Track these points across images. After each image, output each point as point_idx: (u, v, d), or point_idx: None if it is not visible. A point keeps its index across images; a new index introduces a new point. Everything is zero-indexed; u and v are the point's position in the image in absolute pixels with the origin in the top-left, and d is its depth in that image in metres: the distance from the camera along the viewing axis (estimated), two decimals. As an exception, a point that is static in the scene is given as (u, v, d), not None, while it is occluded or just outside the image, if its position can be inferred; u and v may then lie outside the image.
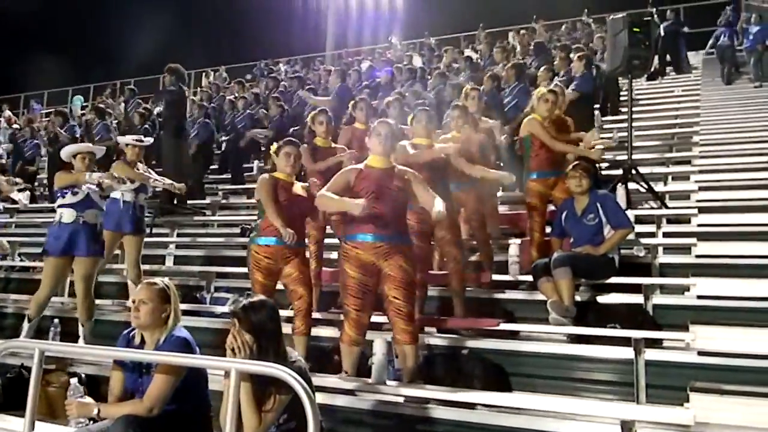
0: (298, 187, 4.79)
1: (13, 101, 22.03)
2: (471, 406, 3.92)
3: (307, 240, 5.16)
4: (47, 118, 15.55)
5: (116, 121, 13.55)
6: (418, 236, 5.02)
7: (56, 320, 5.88)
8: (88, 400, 3.38)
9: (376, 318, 4.55)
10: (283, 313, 4.53)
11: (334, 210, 4.58)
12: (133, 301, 3.44)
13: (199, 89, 16.91)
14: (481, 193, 5.96)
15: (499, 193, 7.28)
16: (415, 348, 4.23)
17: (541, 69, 9.85)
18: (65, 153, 5.75)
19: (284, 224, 4.44)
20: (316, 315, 5.48)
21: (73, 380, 3.50)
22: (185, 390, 3.31)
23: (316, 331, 5.15)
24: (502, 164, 7.16)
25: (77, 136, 11.66)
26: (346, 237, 4.30)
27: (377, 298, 4.30)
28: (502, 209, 7.30)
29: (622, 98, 11.20)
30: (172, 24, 22.94)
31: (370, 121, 6.32)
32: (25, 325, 5.65)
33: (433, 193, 4.26)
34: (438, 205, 4.08)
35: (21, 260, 8.78)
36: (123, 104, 16.26)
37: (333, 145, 6.08)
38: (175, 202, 9.30)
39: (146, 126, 10.79)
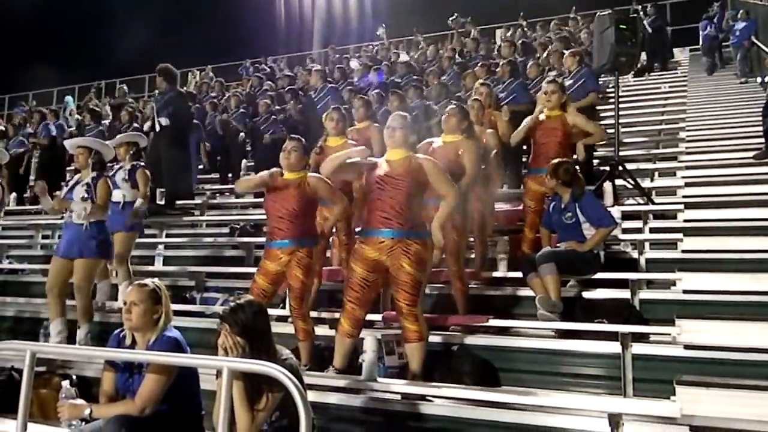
0: (291, 185, 4.63)
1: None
2: (461, 401, 3.96)
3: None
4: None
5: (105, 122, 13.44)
6: None
7: (46, 323, 5.86)
8: (80, 401, 3.39)
9: (368, 316, 4.59)
10: (273, 312, 4.59)
11: (336, 166, 4.38)
12: (125, 303, 3.45)
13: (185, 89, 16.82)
14: (479, 192, 5.92)
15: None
16: (420, 346, 4.24)
17: (530, 65, 9.90)
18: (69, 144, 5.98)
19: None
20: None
21: (65, 382, 3.49)
22: (177, 390, 3.32)
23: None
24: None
25: (53, 134, 11.68)
26: (357, 233, 4.43)
27: (378, 295, 4.35)
28: (500, 206, 7.30)
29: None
30: (156, 23, 22.79)
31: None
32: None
33: (445, 186, 4.30)
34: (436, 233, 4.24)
35: (10, 263, 8.74)
36: (108, 105, 16.16)
37: (347, 141, 5.89)
38: (162, 203, 9.29)
39: (135, 125, 10.71)
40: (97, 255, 5.50)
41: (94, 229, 5.49)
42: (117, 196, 6.23)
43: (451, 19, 16.81)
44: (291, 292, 4.64)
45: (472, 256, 6.01)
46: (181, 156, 9.08)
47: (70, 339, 5.54)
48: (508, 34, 16.52)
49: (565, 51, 9.66)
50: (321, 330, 5.17)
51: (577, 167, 5.62)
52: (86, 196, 5.53)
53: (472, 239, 5.99)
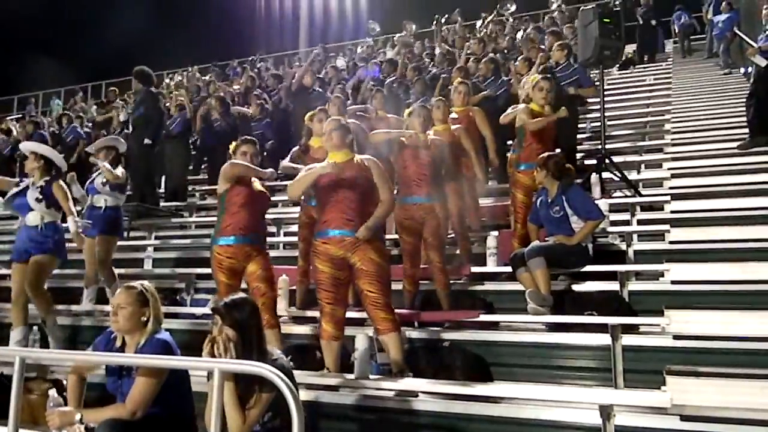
0: (257, 185, 4.82)
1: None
2: (453, 397, 3.96)
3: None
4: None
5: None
6: (406, 231, 5.10)
7: (35, 328, 5.83)
8: (69, 408, 3.36)
9: (357, 314, 4.58)
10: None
11: (305, 186, 4.40)
12: (113, 306, 3.44)
13: (175, 90, 16.70)
14: (459, 188, 6.01)
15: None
16: (399, 336, 4.26)
17: (519, 59, 9.90)
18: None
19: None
20: (296, 313, 5.53)
21: (52, 391, 3.47)
22: (168, 392, 3.30)
23: (296, 329, 5.19)
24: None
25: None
26: (316, 234, 4.41)
27: (352, 291, 4.35)
28: (486, 201, 7.33)
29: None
30: (143, 25, 22.62)
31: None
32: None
33: (386, 191, 4.33)
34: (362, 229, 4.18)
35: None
36: (95, 106, 16.04)
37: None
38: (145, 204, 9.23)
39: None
40: (51, 252, 5.60)
41: (48, 230, 5.60)
42: (99, 201, 6.30)
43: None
44: (263, 302, 4.51)
45: (457, 251, 6.07)
46: (153, 155, 9.17)
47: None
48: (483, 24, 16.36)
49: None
50: (307, 329, 5.18)
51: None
52: (40, 197, 5.63)
53: (452, 234, 6.07)
